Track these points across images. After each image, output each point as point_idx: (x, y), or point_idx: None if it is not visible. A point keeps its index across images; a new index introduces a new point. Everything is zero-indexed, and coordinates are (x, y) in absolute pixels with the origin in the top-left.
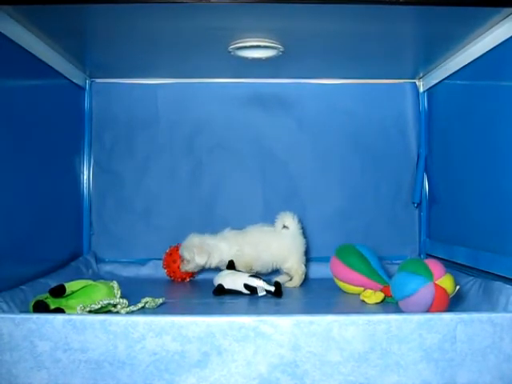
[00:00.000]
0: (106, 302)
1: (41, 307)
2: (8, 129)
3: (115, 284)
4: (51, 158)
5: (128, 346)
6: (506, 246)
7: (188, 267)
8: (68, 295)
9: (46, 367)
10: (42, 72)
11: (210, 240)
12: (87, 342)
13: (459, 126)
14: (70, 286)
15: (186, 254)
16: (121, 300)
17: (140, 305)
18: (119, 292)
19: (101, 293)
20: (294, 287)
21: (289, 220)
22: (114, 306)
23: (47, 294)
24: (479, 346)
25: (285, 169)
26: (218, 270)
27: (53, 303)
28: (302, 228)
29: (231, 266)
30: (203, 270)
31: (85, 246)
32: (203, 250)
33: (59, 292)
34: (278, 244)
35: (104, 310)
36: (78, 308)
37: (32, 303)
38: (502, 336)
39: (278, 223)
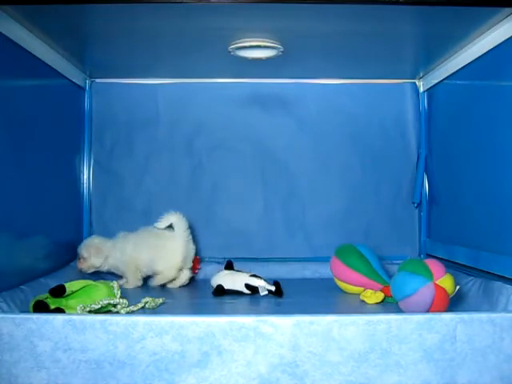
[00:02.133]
0: (106, 301)
1: (41, 307)
2: (8, 129)
3: (115, 284)
4: (51, 157)
5: (128, 346)
6: (506, 246)
7: (82, 265)
8: (68, 295)
9: (46, 367)
10: (41, 72)
11: (108, 243)
12: (87, 342)
13: (459, 126)
14: (70, 286)
15: (84, 252)
16: (121, 300)
17: (140, 305)
18: (119, 292)
19: (101, 293)
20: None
21: (175, 219)
22: (114, 306)
23: (47, 294)
24: (479, 345)
25: (285, 169)
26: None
27: (53, 303)
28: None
29: (229, 266)
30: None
31: None
32: (100, 251)
33: (59, 292)
34: (165, 246)
35: (104, 310)
36: (78, 308)
37: (32, 303)
38: (503, 336)
39: (163, 222)
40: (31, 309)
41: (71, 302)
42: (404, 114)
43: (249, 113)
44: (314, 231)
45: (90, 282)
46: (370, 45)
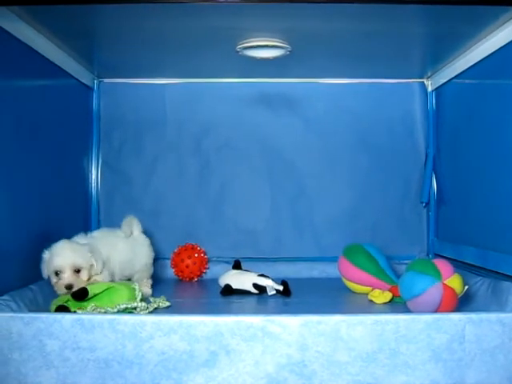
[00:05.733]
0: (123, 306)
1: (62, 311)
2: (17, 128)
3: (136, 286)
4: (60, 157)
5: (136, 346)
6: None
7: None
8: (90, 298)
9: (55, 366)
10: (50, 72)
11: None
12: (96, 342)
13: (467, 126)
14: (93, 289)
15: (89, 259)
16: (140, 303)
17: (154, 305)
18: (140, 294)
19: (122, 295)
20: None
21: (136, 225)
22: (134, 309)
23: (68, 297)
24: (488, 346)
25: (292, 168)
26: None
27: (73, 306)
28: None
29: (237, 265)
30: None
31: None
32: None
33: (81, 295)
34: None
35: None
36: (89, 308)
37: (53, 307)
38: (511, 336)
39: (126, 228)
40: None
41: (92, 304)
42: (412, 113)
43: (256, 112)
44: (321, 231)
45: (111, 284)
46: (378, 44)
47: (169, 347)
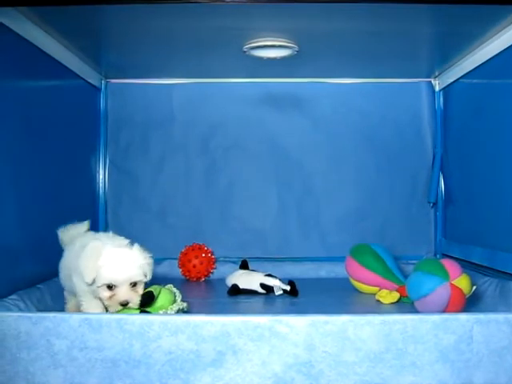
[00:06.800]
0: (176, 307)
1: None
2: (25, 129)
3: (172, 288)
4: (67, 157)
5: (144, 345)
6: None
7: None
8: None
9: (63, 365)
10: (58, 72)
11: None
12: (103, 341)
13: (475, 125)
14: (156, 292)
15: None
16: (184, 304)
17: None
18: (181, 296)
19: (169, 298)
20: None
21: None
22: (181, 310)
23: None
24: (496, 346)
25: (299, 168)
26: None
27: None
28: None
29: (245, 265)
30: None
31: None
32: None
33: (148, 302)
34: None
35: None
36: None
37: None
38: None
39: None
40: None
41: (164, 310)
42: (419, 113)
43: (263, 112)
44: (328, 231)
45: (160, 286)
46: (386, 44)
47: (176, 347)
